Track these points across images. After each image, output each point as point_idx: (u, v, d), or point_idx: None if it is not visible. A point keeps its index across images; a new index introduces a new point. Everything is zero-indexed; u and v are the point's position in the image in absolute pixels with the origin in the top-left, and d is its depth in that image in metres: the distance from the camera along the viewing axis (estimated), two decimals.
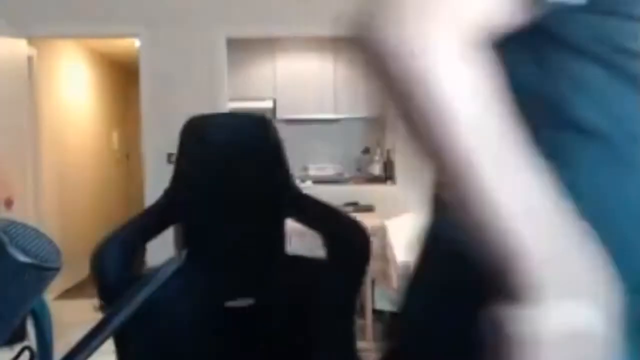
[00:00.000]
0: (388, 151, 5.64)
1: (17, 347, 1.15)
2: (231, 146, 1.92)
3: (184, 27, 5.03)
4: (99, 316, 1.14)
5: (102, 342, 0.86)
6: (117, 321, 0.87)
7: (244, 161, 1.93)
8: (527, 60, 0.66)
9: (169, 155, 5.05)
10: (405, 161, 5.24)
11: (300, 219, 1.98)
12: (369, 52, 0.55)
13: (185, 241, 1.82)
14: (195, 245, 1.80)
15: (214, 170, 1.87)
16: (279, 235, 1.94)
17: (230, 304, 1.77)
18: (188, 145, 1.90)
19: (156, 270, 0.96)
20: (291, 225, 2.01)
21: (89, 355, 0.84)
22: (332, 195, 5.11)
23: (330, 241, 1.89)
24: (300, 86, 6.20)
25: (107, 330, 0.87)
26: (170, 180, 1.90)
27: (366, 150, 6.26)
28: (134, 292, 0.92)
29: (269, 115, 6.38)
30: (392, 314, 4.49)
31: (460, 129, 0.52)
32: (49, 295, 4.74)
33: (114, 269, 1.63)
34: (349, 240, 1.86)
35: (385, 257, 4.01)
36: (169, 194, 1.88)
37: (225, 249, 1.85)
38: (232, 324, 1.76)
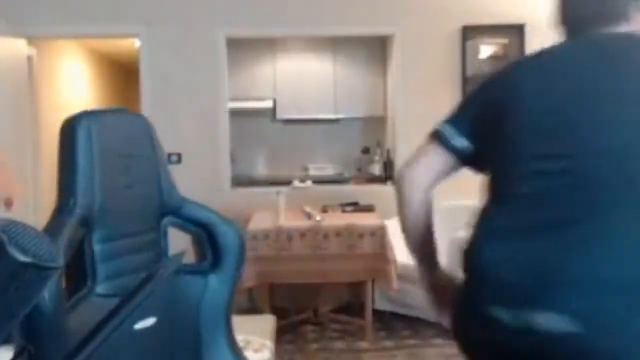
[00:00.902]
0: (388, 151, 5.64)
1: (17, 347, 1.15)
2: (119, 148, 1.67)
3: (184, 27, 5.03)
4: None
5: (103, 341, 0.86)
6: (117, 320, 0.87)
7: (134, 165, 1.72)
8: None
9: (169, 155, 5.05)
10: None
11: (181, 224, 1.87)
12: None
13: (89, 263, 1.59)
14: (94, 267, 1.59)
15: (105, 176, 1.59)
16: (164, 245, 1.83)
17: (139, 325, 1.59)
18: (72, 147, 1.55)
19: (159, 267, 0.96)
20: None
21: (89, 354, 0.84)
22: (332, 195, 5.12)
23: (210, 245, 1.84)
24: (300, 86, 6.19)
25: (107, 329, 0.87)
26: (62, 189, 1.59)
27: (366, 150, 6.26)
28: (136, 290, 0.91)
29: (269, 115, 6.39)
30: (392, 314, 4.49)
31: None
32: None
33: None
34: (228, 244, 1.82)
35: (385, 257, 4.01)
36: (65, 208, 1.57)
37: (123, 267, 1.64)
38: (141, 345, 1.61)
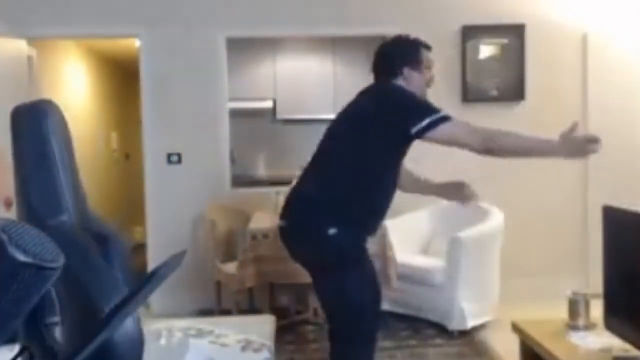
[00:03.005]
0: None
1: (17, 347, 1.15)
2: (68, 146, 1.37)
3: (184, 27, 5.03)
4: None
5: (104, 339, 0.85)
6: (119, 319, 0.86)
7: (74, 166, 1.40)
8: None
9: (169, 155, 5.05)
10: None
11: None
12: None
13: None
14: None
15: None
16: None
17: None
18: (45, 141, 1.26)
19: (159, 266, 0.95)
20: None
21: (90, 353, 0.84)
22: None
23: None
24: (300, 86, 6.19)
25: (108, 328, 0.86)
26: (40, 197, 1.29)
27: None
28: (137, 288, 0.91)
29: (269, 115, 6.38)
30: (392, 314, 4.49)
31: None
32: None
33: None
34: (119, 255, 1.50)
35: (385, 256, 4.01)
36: (56, 224, 1.26)
37: None
38: None
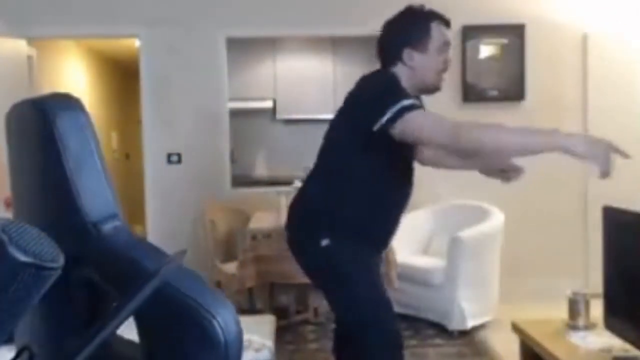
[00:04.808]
0: None
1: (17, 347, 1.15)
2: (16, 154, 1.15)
3: (184, 27, 5.03)
4: None
5: (105, 338, 0.85)
6: (120, 318, 0.86)
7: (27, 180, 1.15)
8: None
9: (169, 155, 5.05)
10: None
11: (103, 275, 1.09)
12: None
13: None
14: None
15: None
16: None
17: None
18: (85, 138, 1.11)
19: (161, 265, 0.95)
20: None
21: (90, 353, 0.84)
22: None
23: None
24: (300, 86, 6.19)
25: (109, 328, 0.86)
26: (88, 203, 1.10)
27: None
28: (138, 288, 0.91)
29: (269, 115, 6.37)
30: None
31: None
32: None
33: None
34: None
35: (386, 257, 4.01)
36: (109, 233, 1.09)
37: None
38: None
